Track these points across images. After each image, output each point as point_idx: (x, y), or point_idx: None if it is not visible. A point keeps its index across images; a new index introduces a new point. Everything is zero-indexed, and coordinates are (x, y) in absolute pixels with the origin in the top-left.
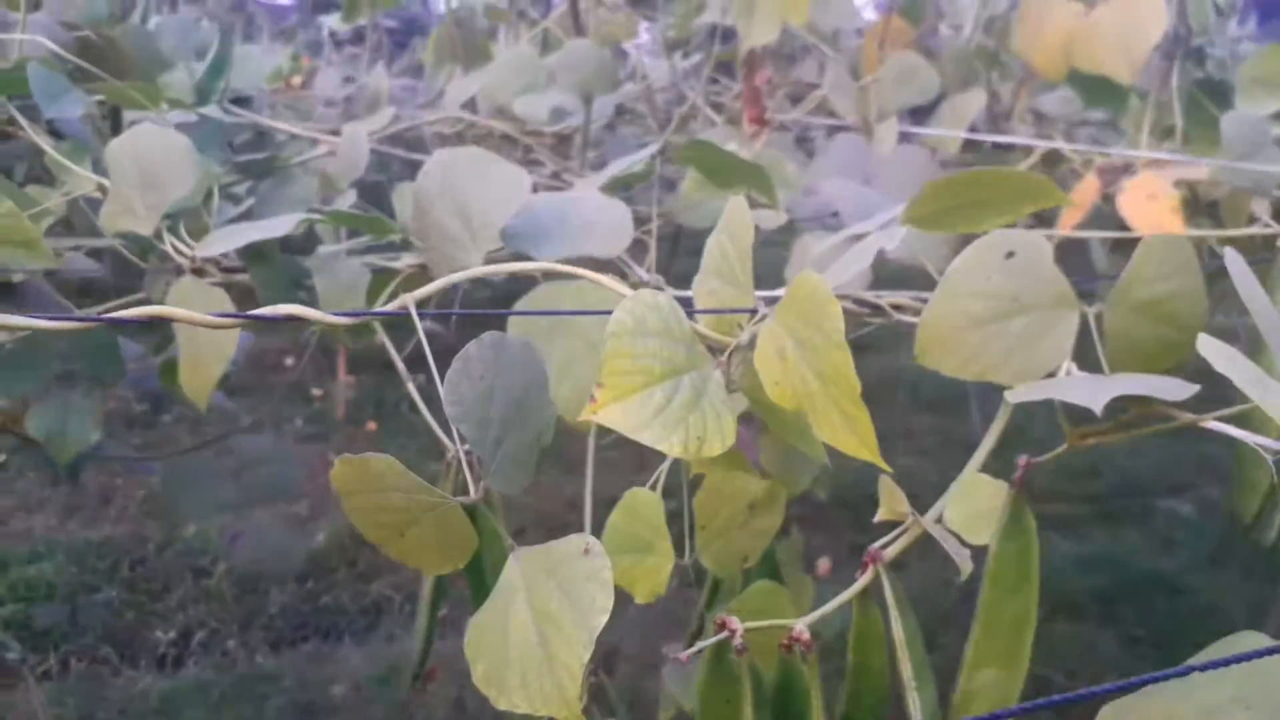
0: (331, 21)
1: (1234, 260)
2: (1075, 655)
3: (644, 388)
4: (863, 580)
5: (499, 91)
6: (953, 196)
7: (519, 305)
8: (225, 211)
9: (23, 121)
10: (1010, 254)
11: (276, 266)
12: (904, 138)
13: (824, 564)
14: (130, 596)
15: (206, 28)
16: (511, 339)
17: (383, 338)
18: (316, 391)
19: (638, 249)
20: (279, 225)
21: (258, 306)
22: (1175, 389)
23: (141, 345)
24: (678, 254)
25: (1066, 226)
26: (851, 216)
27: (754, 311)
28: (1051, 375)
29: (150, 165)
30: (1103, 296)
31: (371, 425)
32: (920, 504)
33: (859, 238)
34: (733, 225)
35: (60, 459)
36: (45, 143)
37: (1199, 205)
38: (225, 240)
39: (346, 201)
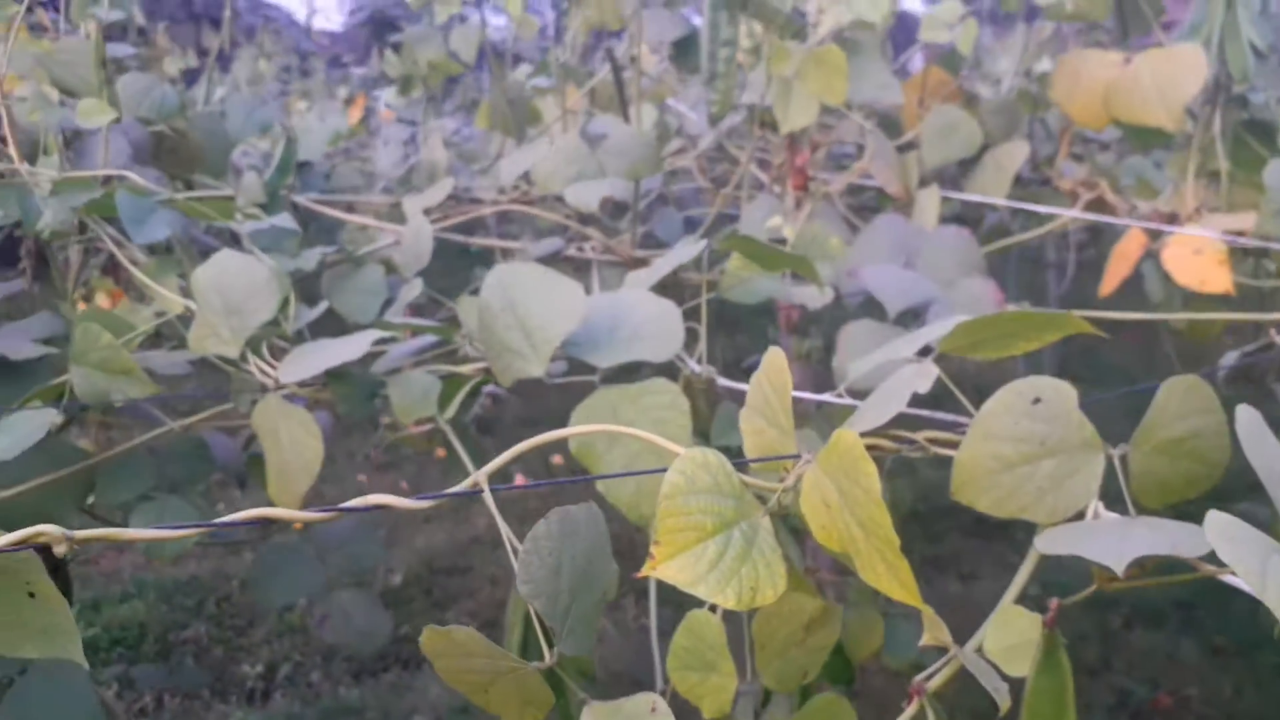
0: (386, 95)
1: (1246, 418)
2: (1156, 666)
3: (697, 543)
4: (908, 712)
5: (551, 180)
6: (983, 331)
7: (579, 411)
8: (303, 315)
9: (110, 244)
10: (1037, 400)
11: (353, 381)
12: (947, 202)
13: None
14: (217, 632)
15: (269, 105)
16: (575, 511)
17: (451, 438)
18: (385, 418)
19: (688, 335)
20: (354, 348)
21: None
22: (1196, 543)
23: (231, 441)
24: (723, 326)
25: (1113, 280)
26: (894, 303)
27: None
28: (1081, 514)
29: (233, 293)
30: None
31: (441, 452)
32: (965, 633)
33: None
34: (771, 373)
35: (159, 558)
36: (136, 253)
37: (1247, 250)
38: (304, 366)
39: (413, 292)
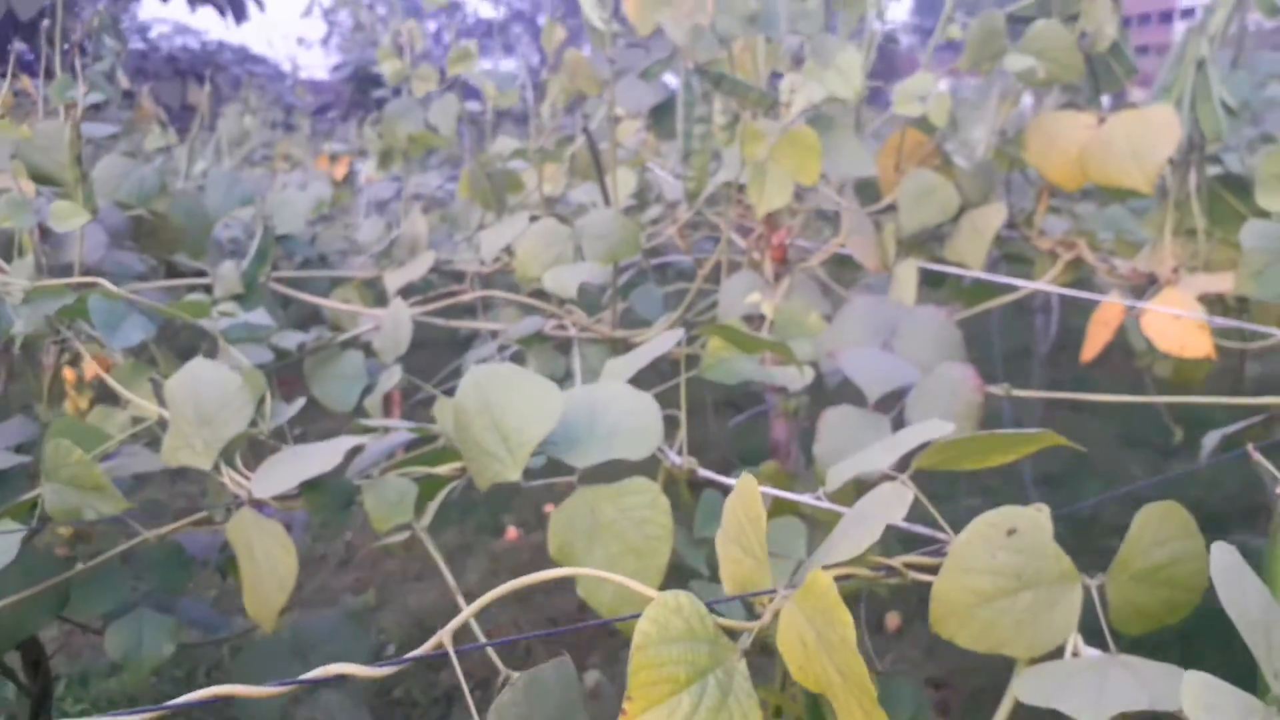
0: (365, 168)
1: (1221, 561)
2: None
3: (671, 695)
4: None
5: (529, 264)
6: (959, 449)
7: (558, 513)
8: (280, 411)
9: (81, 349)
10: (1012, 531)
11: (328, 490)
12: (925, 276)
13: (893, 620)
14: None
15: (251, 175)
16: (545, 672)
17: (429, 546)
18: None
19: (668, 422)
20: (327, 458)
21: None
22: (1174, 694)
23: (210, 538)
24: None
25: (1094, 347)
26: (872, 389)
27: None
28: (1060, 649)
29: (205, 403)
30: None
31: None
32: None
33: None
34: (744, 502)
35: (135, 675)
36: (112, 353)
37: (1227, 303)
38: (278, 478)
39: (392, 379)
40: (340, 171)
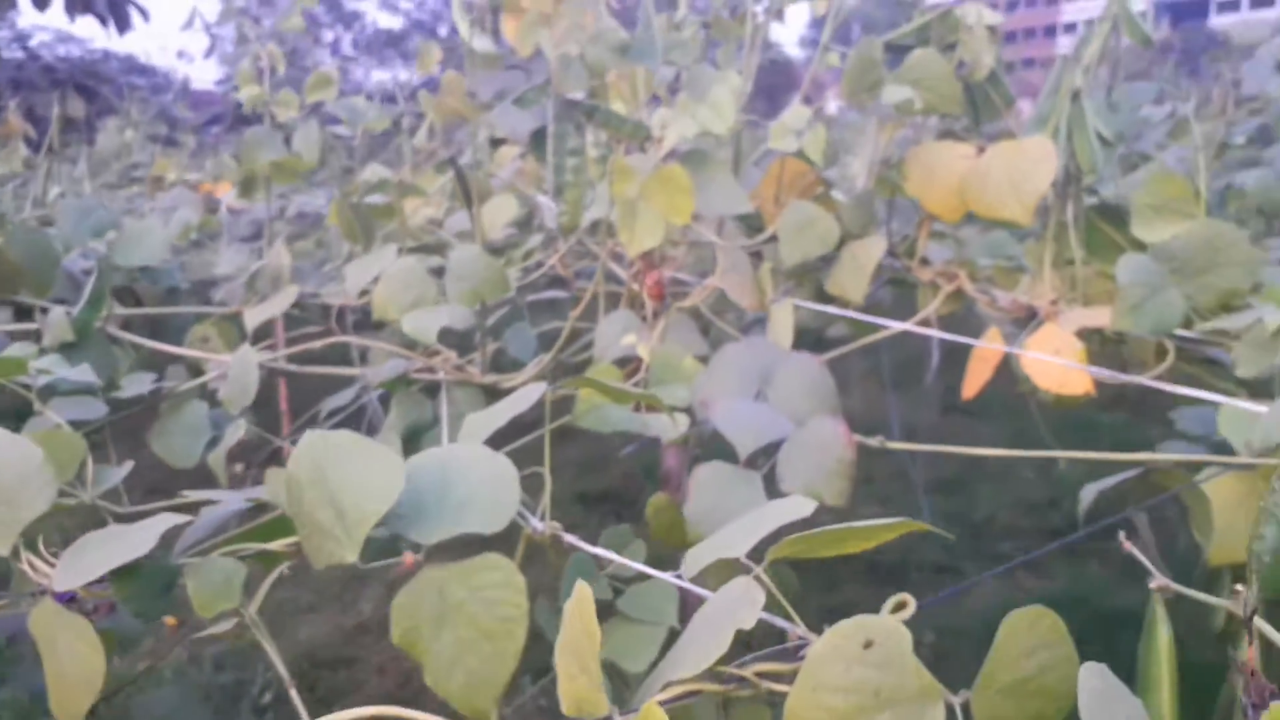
0: (229, 198)
1: (1089, 679)
2: None
3: None
4: None
5: (387, 307)
6: (815, 541)
7: (401, 596)
8: (105, 477)
9: None
10: (869, 644)
11: (143, 576)
12: (800, 312)
13: None
14: None
15: (106, 208)
16: None
17: (260, 636)
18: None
19: (533, 482)
20: (140, 542)
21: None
22: None
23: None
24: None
25: (975, 384)
26: (744, 445)
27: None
28: None
29: (3, 481)
30: None
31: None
32: None
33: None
34: (579, 614)
35: None
36: None
37: (1105, 335)
38: (83, 567)
39: (238, 433)
40: (224, 189)
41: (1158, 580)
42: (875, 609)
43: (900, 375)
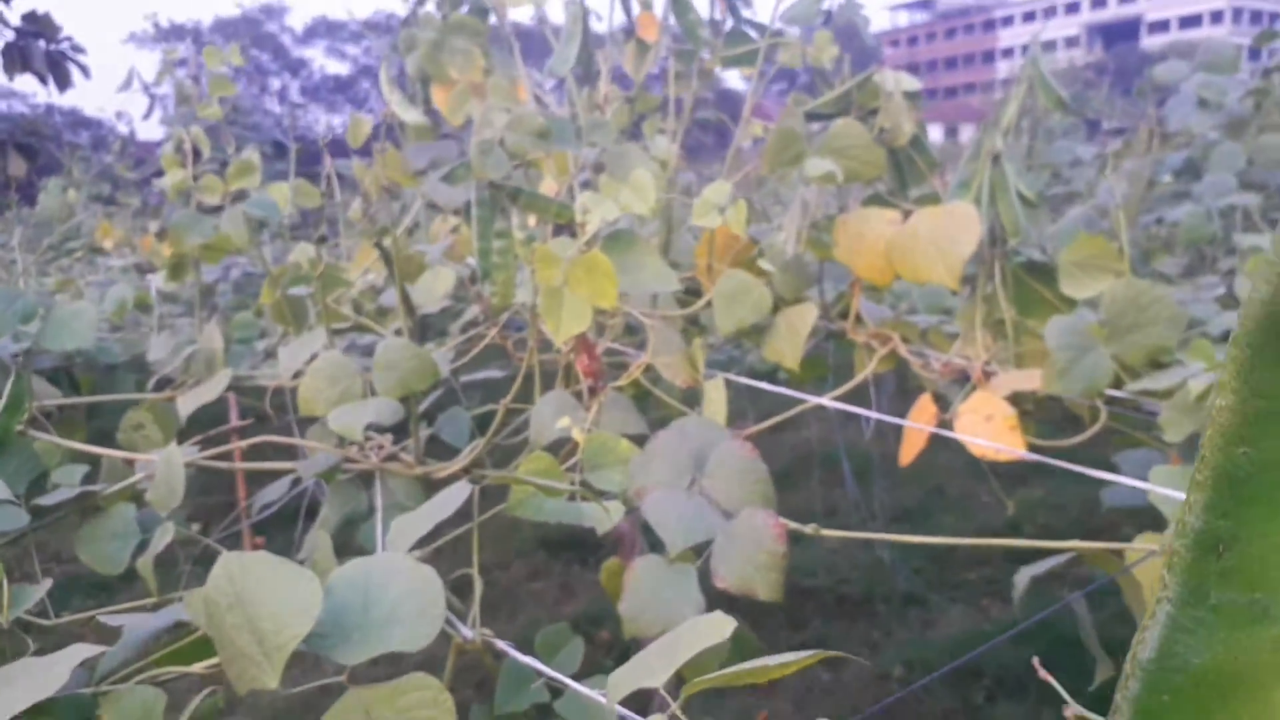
0: (158, 280)
1: None
2: None
3: None
4: None
5: (314, 401)
6: (732, 677)
7: (328, 718)
8: (23, 597)
9: None
10: None
11: (58, 713)
12: (732, 387)
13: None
14: None
15: (34, 293)
16: None
17: None
18: (196, 526)
19: (462, 585)
20: (53, 680)
21: None
22: None
23: None
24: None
25: (911, 451)
26: (675, 541)
27: None
28: None
29: None
30: None
31: (258, 540)
32: None
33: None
34: None
35: None
36: None
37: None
38: None
39: (165, 537)
40: (167, 252)
41: (1072, 709)
42: (843, 644)
43: (849, 429)
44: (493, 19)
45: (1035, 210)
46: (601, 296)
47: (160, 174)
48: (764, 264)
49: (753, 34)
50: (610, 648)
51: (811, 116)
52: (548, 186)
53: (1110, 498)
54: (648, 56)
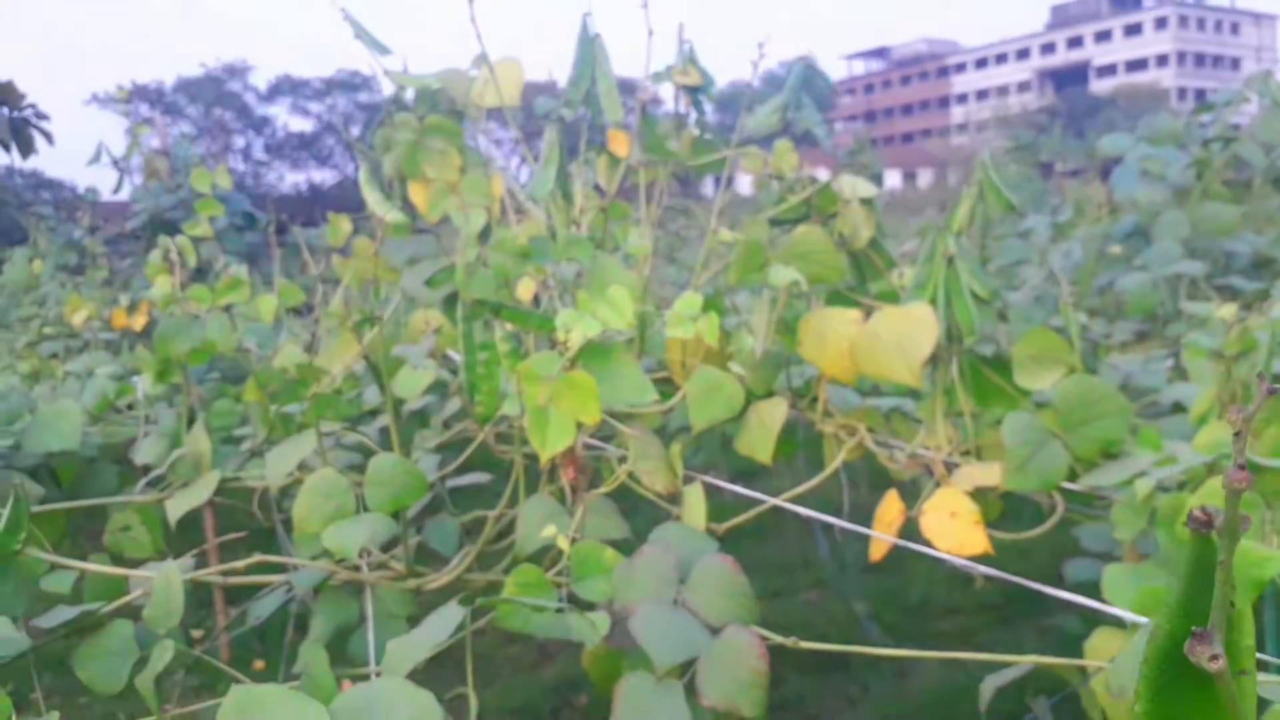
0: (144, 384)
1: None
2: None
3: None
4: None
5: (308, 519)
6: None
7: None
8: None
9: None
10: None
11: None
12: (713, 491)
13: None
14: None
15: (16, 394)
16: None
17: None
18: (196, 633)
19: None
20: None
21: None
22: None
23: None
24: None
25: (880, 549)
26: (662, 658)
27: None
28: None
29: None
30: None
31: (259, 664)
32: None
33: None
34: None
35: None
36: None
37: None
38: None
39: (165, 655)
40: (140, 322)
41: None
42: (821, 700)
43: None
44: (467, 123)
45: (988, 308)
46: (585, 413)
47: (136, 236)
48: (735, 367)
49: (715, 142)
50: (588, 714)
51: (775, 223)
52: (526, 287)
53: (1072, 573)
54: (620, 169)
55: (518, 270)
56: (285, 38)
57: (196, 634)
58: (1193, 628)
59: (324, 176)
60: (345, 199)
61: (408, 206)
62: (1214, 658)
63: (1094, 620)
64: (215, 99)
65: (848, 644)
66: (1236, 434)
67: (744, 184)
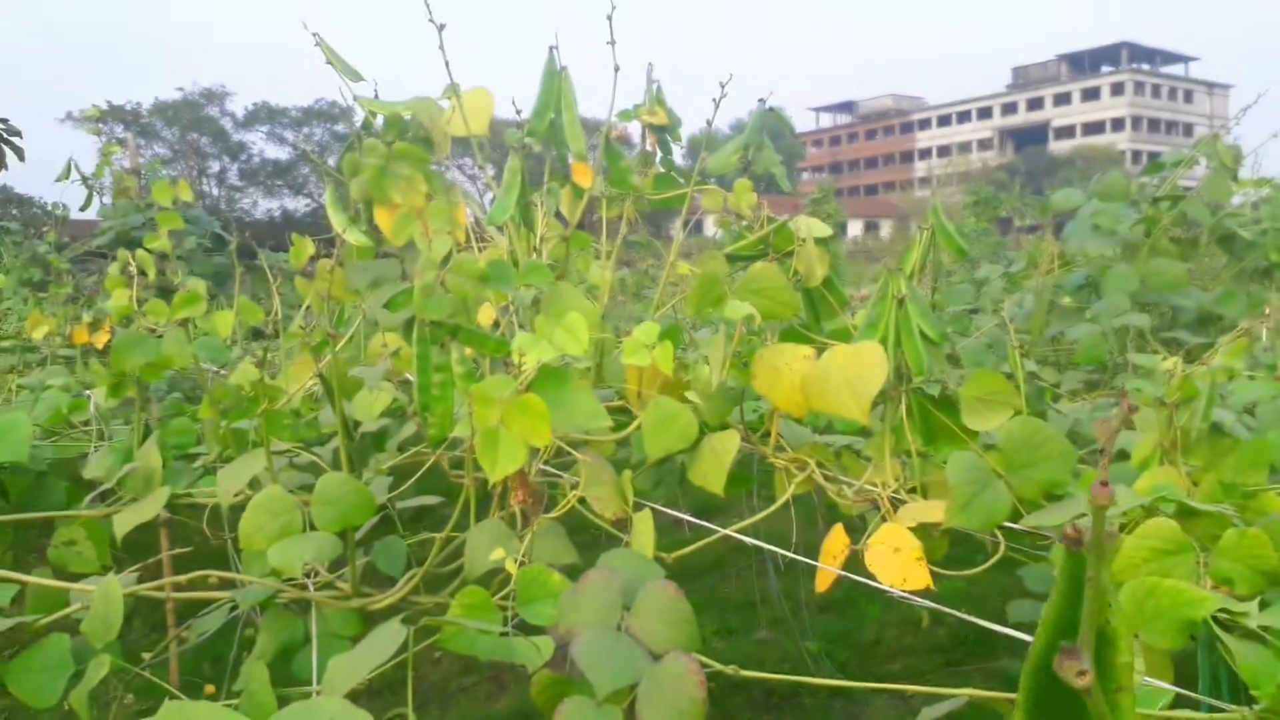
0: (98, 396)
1: None
2: None
3: None
4: None
5: (254, 537)
6: None
7: None
8: None
9: None
10: None
11: None
12: (666, 525)
13: None
14: None
15: None
16: None
17: None
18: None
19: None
20: None
21: None
22: None
23: None
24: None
25: (825, 580)
26: (604, 684)
27: None
28: None
29: None
30: None
31: (210, 689)
32: None
33: None
34: None
35: None
36: None
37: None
38: None
39: (101, 670)
40: (101, 340)
41: None
42: None
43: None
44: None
45: (937, 349)
46: (535, 436)
47: (104, 255)
48: (691, 396)
49: (679, 180)
50: None
51: (732, 259)
52: (485, 312)
53: (1015, 614)
54: (583, 200)
55: (477, 294)
56: (264, 64)
57: (148, 656)
58: (1061, 643)
59: (297, 204)
60: (318, 227)
61: (373, 230)
62: (1082, 673)
63: None
64: (192, 123)
65: (798, 684)
66: (1101, 451)
67: (711, 226)
